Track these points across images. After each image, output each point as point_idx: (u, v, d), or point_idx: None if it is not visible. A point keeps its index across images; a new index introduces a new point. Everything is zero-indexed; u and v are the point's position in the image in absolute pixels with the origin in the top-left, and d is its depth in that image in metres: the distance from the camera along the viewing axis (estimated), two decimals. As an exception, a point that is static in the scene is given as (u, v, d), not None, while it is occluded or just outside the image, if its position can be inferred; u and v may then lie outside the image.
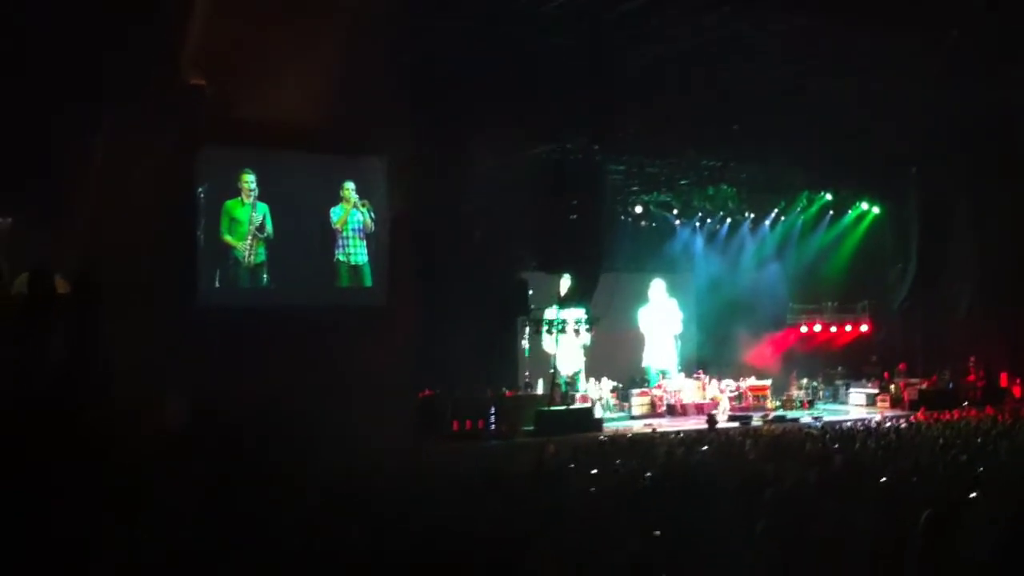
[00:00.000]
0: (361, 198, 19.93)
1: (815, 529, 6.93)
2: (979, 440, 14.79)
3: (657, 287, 28.35)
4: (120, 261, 15.34)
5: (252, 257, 19.18)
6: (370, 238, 20.01)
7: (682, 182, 26.85)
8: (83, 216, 16.23)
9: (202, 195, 18.76)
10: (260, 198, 19.23)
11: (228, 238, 18.94)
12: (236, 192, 19.08)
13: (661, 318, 28.27)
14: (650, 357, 27.98)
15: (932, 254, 27.16)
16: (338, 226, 19.86)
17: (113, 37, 15.67)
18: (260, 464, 10.96)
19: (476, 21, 18.46)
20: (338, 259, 19.90)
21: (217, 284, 18.91)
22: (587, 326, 24.83)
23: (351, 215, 19.93)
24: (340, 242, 19.95)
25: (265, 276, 19.35)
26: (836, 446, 14.41)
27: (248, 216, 19.12)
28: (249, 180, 19.13)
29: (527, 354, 25.20)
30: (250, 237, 19.08)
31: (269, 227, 19.19)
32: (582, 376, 25.85)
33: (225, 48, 17.23)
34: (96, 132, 16.53)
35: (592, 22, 18.99)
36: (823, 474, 9.68)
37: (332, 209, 19.85)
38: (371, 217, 19.94)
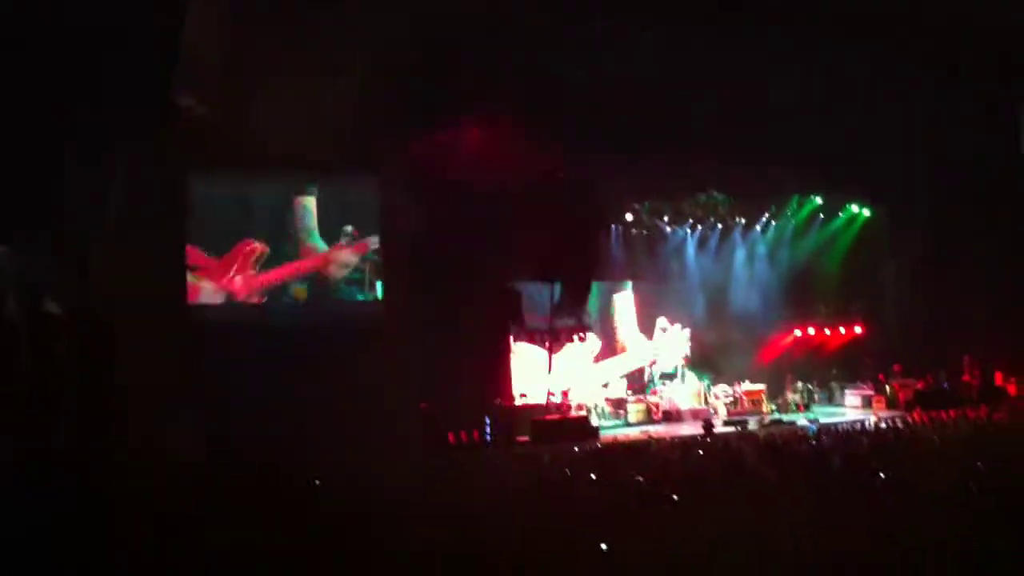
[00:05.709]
0: (357, 228, 19.83)
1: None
2: (975, 438, 14.83)
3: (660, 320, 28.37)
4: (122, 286, 15.45)
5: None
6: (370, 271, 19.94)
7: (673, 189, 26.91)
8: (84, 244, 16.30)
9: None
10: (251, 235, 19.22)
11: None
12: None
13: (666, 341, 28.27)
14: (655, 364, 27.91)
15: (924, 253, 27.22)
16: (333, 262, 19.78)
17: (108, 70, 15.73)
18: (274, 483, 10.97)
19: (466, 37, 18.58)
20: (336, 297, 19.96)
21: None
22: (580, 335, 24.85)
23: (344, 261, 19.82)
24: (339, 280, 19.79)
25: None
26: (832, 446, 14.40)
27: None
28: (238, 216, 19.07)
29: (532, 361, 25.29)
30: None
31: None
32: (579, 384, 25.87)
33: (220, 84, 17.35)
34: (94, 163, 16.60)
35: (585, 32, 19.13)
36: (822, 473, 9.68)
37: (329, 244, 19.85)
38: (370, 249, 19.80)
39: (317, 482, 11.73)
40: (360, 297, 20.04)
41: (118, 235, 16.23)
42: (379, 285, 20.05)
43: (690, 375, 27.19)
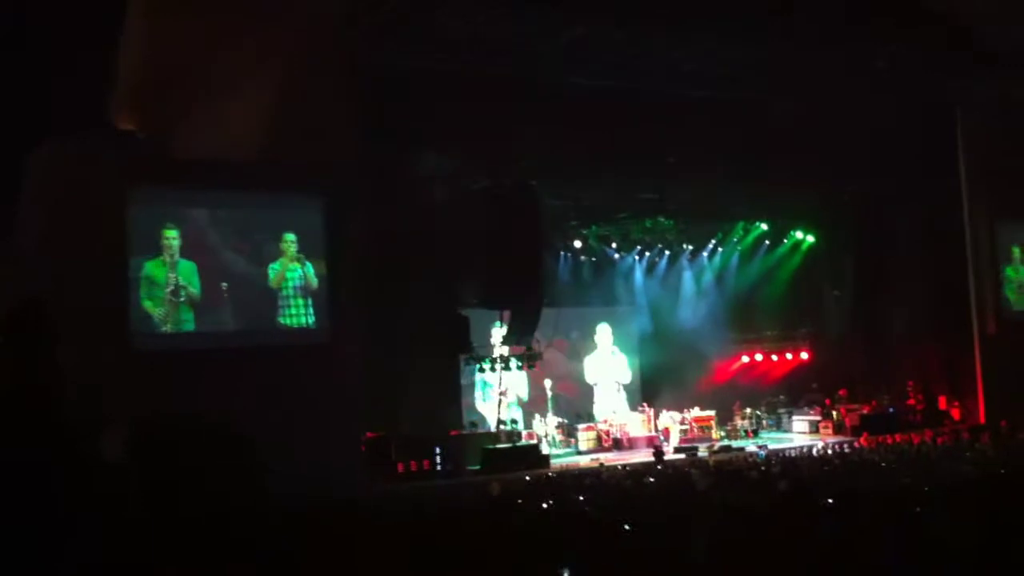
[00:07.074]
0: (301, 251, 19.01)
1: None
2: (920, 462, 14.97)
3: (603, 333, 28.30)
4: (54, 301, 15.04)
5: (170, 326, 17.73)
6: (315, 295, 19.19)
7: (620, 215, 27.01)
8: (17, 254, 15.94)
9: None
10: (186, 256, 17.81)
11: (147, 304, 17.58)
12: (158, 250, 17.67)
13: (610, 367, 28.25)
14: (599, 404, 27.81)
15: (868, 279, 27.62)
16: (275, 286, 18.69)
17: (45, 79, 15.47)
18: (205, 498, 10.74)
19: (414, 53, 18.51)
20: (280, 323, 18.79)
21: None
22: (530, 362, 24.73)
23: (291, 271, 18.95)
24: (280, 304, 18.87)
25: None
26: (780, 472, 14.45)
27: (165, 278, 17.66)
28: (172, 235, 17.68)
29: (480, 389, 25.16)
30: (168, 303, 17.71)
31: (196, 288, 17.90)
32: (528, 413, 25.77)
33: (156, 89, 17.08)
34: (27, 175, 16.27)
35: (531, 52, 19.16)
36: (770, 498, 9.67)
37: (270, 266, 18.70)
38: (313, 272, 19.09)
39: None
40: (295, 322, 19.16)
41: (53, 244, 15.87)
42: (311, 310, 19.25)
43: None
